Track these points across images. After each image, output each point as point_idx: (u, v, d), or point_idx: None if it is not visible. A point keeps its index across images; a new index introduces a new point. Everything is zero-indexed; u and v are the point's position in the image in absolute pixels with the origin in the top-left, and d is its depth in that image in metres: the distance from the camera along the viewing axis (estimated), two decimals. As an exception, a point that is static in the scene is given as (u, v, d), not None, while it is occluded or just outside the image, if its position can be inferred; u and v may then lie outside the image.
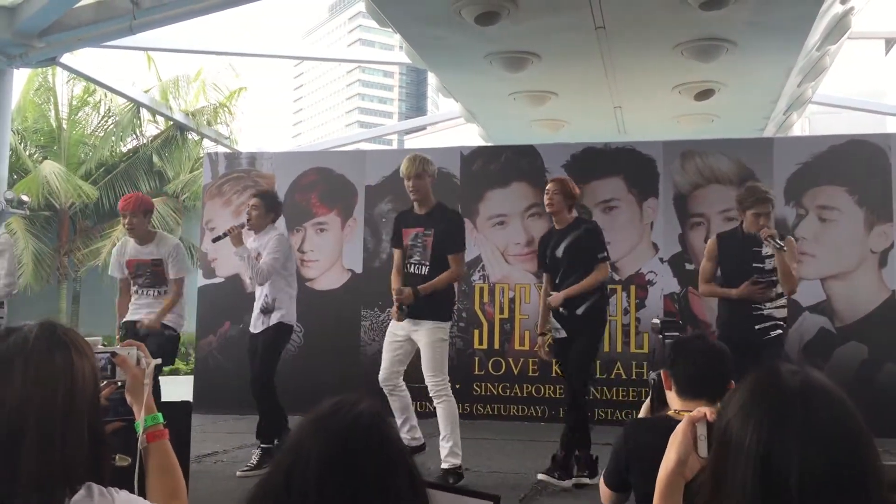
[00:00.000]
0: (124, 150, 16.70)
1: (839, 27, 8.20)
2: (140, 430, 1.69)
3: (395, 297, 4.81)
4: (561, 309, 4.88)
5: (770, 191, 5.02)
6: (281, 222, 7.92)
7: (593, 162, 7.69)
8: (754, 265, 4.75)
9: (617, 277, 7.45)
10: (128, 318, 5.48)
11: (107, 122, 16.35)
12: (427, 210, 4.91)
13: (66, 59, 10.27)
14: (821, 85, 10.84)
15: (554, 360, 5.32)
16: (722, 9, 6.43)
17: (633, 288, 7.44)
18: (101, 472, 1.42)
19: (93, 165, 15.55)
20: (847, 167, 7.23)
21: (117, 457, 1.64)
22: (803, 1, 6.58)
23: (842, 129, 11.60)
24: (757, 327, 4.70)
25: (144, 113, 15.63)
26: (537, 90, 8.90)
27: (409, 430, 4.94)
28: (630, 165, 7.60)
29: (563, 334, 4.90)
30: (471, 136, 12.59)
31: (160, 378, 4.92)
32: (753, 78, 8.42)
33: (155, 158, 15.94)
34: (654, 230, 7.49)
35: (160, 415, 1.74)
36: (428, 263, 4.80)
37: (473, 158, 8.00)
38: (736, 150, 7.50)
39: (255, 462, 5.07)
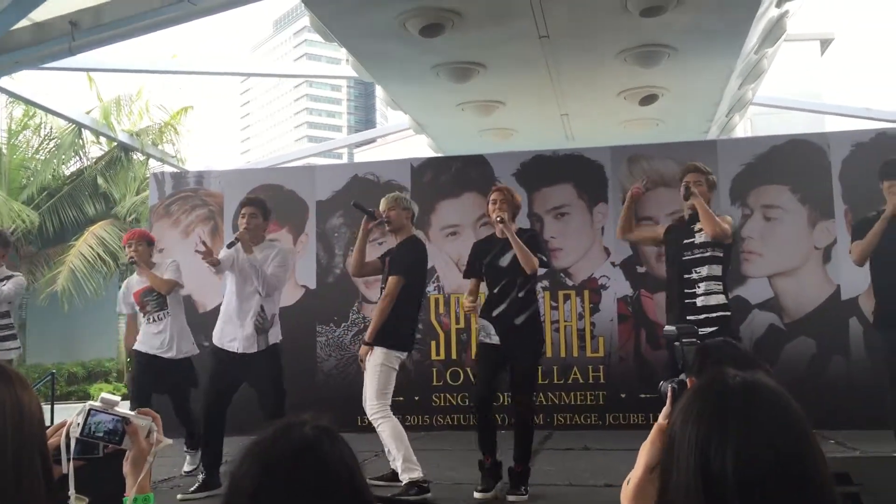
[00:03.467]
0: (67, 172, 16.33)
1: (775, 30, 8.40)
2: None
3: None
4: (494, 312, 4.82)
5: (704, 166, 5.12)
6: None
7: (543, 169, 7.76)
8: (685, 241, 4.75)
9: (570, 283, 7.52)
10: (144, 349, 5.76)
11: (48, 144, 15.99)
12: (399, 241, 5.15)
13: (4, 81, 10.02)
14: (760, 87, 11.08)
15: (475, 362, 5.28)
16: (661, 15, 6.55)
17: (586, 293, 7.51)
18: None
19: (35, 190, 15.16)
20: (789, 166, 7.41)
21: (74, 497, 1.57)
22: (740, 6, 6.73)
23: (782, 128, 11.87)
24: (689, 318, 4.55)
25: (87, 134, 15.32)
26: (485, 100, 8.94)
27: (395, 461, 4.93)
28: (579, 171, 7.69)
29: (494, 340, 4.82)
30: (421, 148, 12.58)
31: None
32: (695, 82, 8.58)
33: (100, 180, 15.60)
34: (605, 235, 7.58)
35: (152, 496, 1.65)
36: (384, 287, 5.01)
37: (424, 170, 8.01)
38: (681, 153, 7.63)
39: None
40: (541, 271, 5.13)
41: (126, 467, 1.63)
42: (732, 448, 1.10)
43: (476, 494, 4.65)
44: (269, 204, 5.52)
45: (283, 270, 5.26)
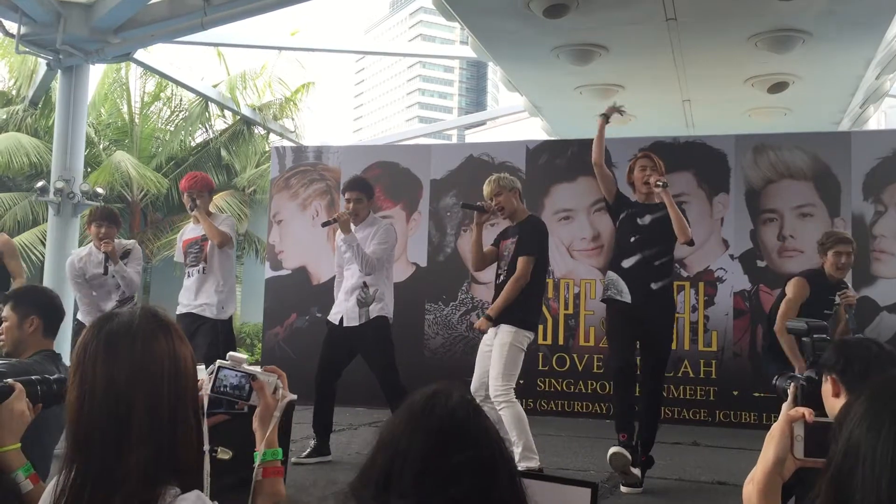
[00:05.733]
0: (193, 144, 17.06)
1: (922, 17, 7.90)
2: (258, 461, 1.65)
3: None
4: (625, 262, 4.70)
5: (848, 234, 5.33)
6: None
7: (662, 156, 7.44)
8: (828, 297, 4.96)
9: (685, 274, 7.31)
10: (180, 309, 5.41)
11: (177, 116, 16.73)
12: (518, 222, 5.00)
13: (140, 54, 10.53)
14: (900, 77, 10.47)
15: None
16: (799, -1, 6.27)
17: (701, 285, 7.29)
18: (200, 467, 1.43)
19: (163, 159, 15.90)
20: (930, 162, 6.96)
21: (219, 450, 1.64)
22: (885, -10, 6.37)
23: (921, 123, 11.18)
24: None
25: (213, 107, 15.92)
26: (604, 83, 8.81)
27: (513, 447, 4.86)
28: (701, 160, 7.44)
29: (626, 298, 4.67)
30: (531, 131, 12.51)
31: None
32: (830, 70, 8.19)
33: (223, 152, 16.23)
34: (725, 226, 7.32)
35: (280, 451, 1.70)
36: (506, 270, 4.88)
37: (539, 153, 7.93)
38: (812, 145, 7.28)
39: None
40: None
41: (255, 423, 1.69)
42: None
43: (623, 489, 4.54)
44: (370, 184, 5.59)
45: (386, 247, 5.25)
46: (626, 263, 4.75)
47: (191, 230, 5.63)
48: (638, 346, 4.78)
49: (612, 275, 4.81)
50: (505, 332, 4.73)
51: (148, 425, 1.34)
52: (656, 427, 4.77)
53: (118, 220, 5.81)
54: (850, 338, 3.10)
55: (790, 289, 4.95)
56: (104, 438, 1.33)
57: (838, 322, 5.01)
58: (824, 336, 2.47)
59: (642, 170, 4.82)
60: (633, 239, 4.74)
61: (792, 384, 2.30)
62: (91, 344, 1.40)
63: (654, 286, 4.69)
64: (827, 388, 2.11)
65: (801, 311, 4.89)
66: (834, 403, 2.08)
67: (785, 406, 2.32)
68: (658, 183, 4.66)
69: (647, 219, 4.75)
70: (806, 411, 1.46)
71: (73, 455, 1.35)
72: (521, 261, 4.79)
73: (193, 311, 5.32)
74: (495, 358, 4.71)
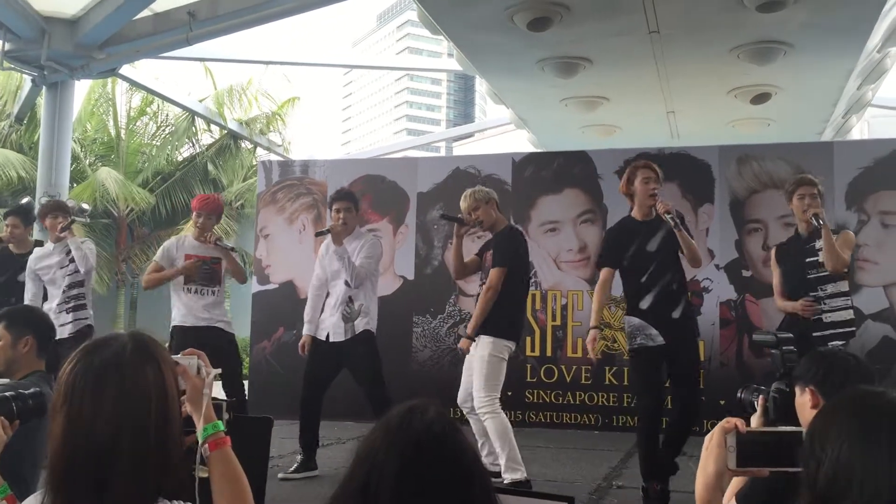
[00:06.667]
0: (180, 158, 17.04)
1: (901, 28, 7.99)
2: (201, 440, 1.66)
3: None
4: (643, 304, 4.39)
5: (815, 178, 4.79)
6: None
7: (647, 167, 7.59)
8: (808, 260, 4.62)
9: (671, 284, 7.34)
10: (182, 322, 5.51)
11: (163, 131, 16.73)
12: (495, 232, 5.04)
13: (126, 70, 10.51)
14: (881, 87, 10.57)
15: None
16: (779, 11, 6.33)
17: (688, 295, 7.32)
18: (186, 487, 1.45)
19: (150, 174, 15.88)
20: (911, 171, 7.02)
21: (198, 468, 1.65)
22: (864, 2, 6.44)
23: (903, 132, 11.30)
24: (815, 334, 4.49)
25: (200, 122, 15.92)
26: (589, 96, 8.86)
27: (487, 455, 4.75)
28: (685, 171, 7.49)
29: (658, 341, 4.36)
30: (519, 143, 12.57)
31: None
32: (812, 81, 8.26)
33: (210, 167, 16.23)
34: (710, 236, 7.37)
35: (220, 422, 1.71)
36: (484, 281, 4.91)
37: (525, 165, 7.96)
38: (795, 155, 7.34)
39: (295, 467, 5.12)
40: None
41: (188, 407, 1.69)
42: None
43: None
44: (357, 195, 5.64)
45: (372, 261, 5.26)
46: (645, 304, 4.43)
47: (194, 247, 5.62)
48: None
49: (633, 320, 4.46)
50: (483, 343, 4.75)
51: (134, 450, 1.35)
52: (683, 445, 4.63)
53: (67, 210, 6.08)
54: (825, 349, 3.06)
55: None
56: (90, 466, 1.34)
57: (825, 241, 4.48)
58: (792, 348, 2.47)
59: (645, 182, 4.52)
60: (643, 278, 4.43)
61: (760, 396, 2.29)
62: (80, 378, 1.39)
63: (675, 315, 4.41)
64: (804, 399, 2.10)
65: (791, 275, 4.69)
66: (812, 415, 2.07)
67: (754, 418, 2.31)
68: (674, 222, 4.35)
69: (655, 242, 4.45)
70: (738, 422, 1.48)
71: (57, 483, 1.36)
72: (492, 272, 4.81)
73: (216, 325, 5.55)
74: (476, 371, 4.72)
